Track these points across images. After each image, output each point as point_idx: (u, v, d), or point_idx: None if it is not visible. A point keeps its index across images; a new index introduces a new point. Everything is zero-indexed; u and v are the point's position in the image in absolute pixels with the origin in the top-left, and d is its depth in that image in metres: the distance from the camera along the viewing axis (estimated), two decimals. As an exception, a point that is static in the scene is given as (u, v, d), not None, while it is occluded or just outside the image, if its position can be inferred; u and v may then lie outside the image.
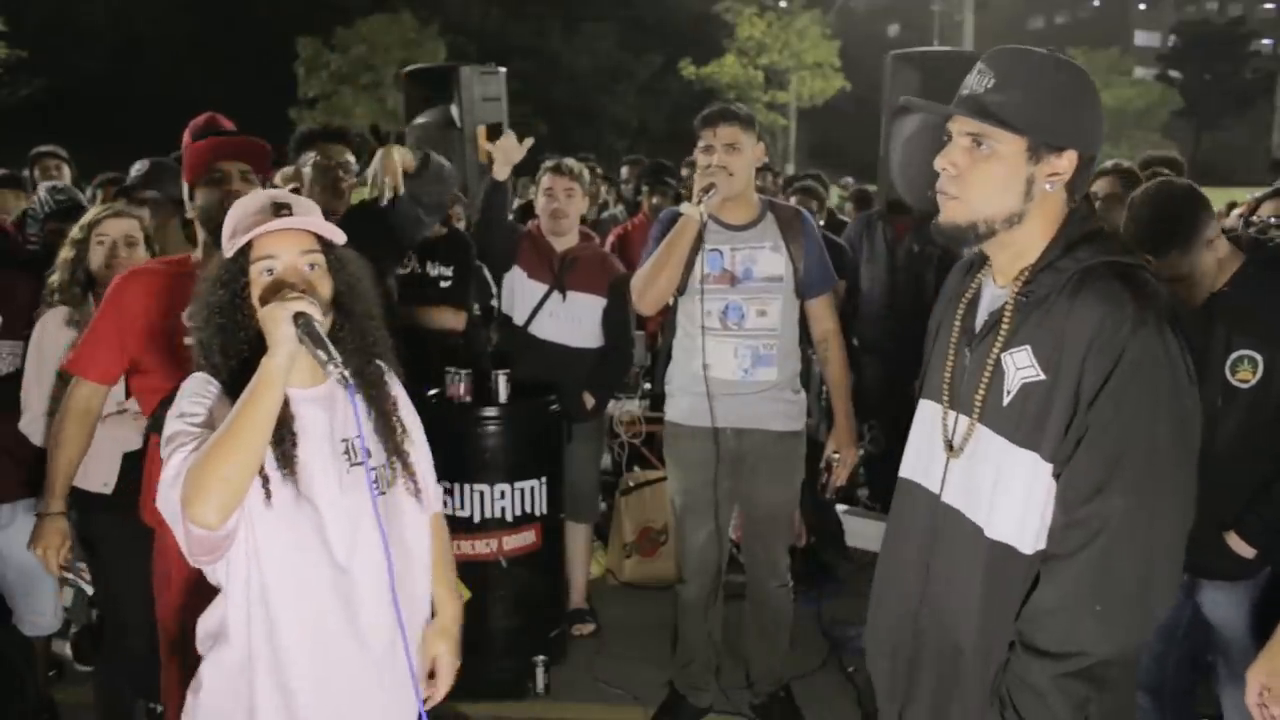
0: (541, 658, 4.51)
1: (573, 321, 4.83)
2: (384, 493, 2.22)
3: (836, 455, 4.09)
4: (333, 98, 37.26)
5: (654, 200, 6.45)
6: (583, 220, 5.07)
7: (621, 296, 4.65)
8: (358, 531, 2.16)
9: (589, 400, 4.83)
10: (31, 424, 3.63)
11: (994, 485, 2.00)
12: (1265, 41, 55.74)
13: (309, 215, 2.18)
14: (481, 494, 4.35)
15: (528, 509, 4.46)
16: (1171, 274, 2.93)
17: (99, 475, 3.61)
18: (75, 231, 3.69)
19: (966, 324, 2.13)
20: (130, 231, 3.68)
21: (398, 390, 2.35)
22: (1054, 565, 1.93)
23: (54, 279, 3.68)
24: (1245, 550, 2.94)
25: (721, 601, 4.22)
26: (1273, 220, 3.54)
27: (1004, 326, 2.01)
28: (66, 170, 6.43)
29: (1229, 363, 2.94)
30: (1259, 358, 2.89)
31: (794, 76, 40.14)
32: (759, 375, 3.95)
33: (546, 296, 4.82)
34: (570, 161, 4.95)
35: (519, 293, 4.86)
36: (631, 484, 5.69)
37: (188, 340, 2.26)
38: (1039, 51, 1.99)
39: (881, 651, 2.28)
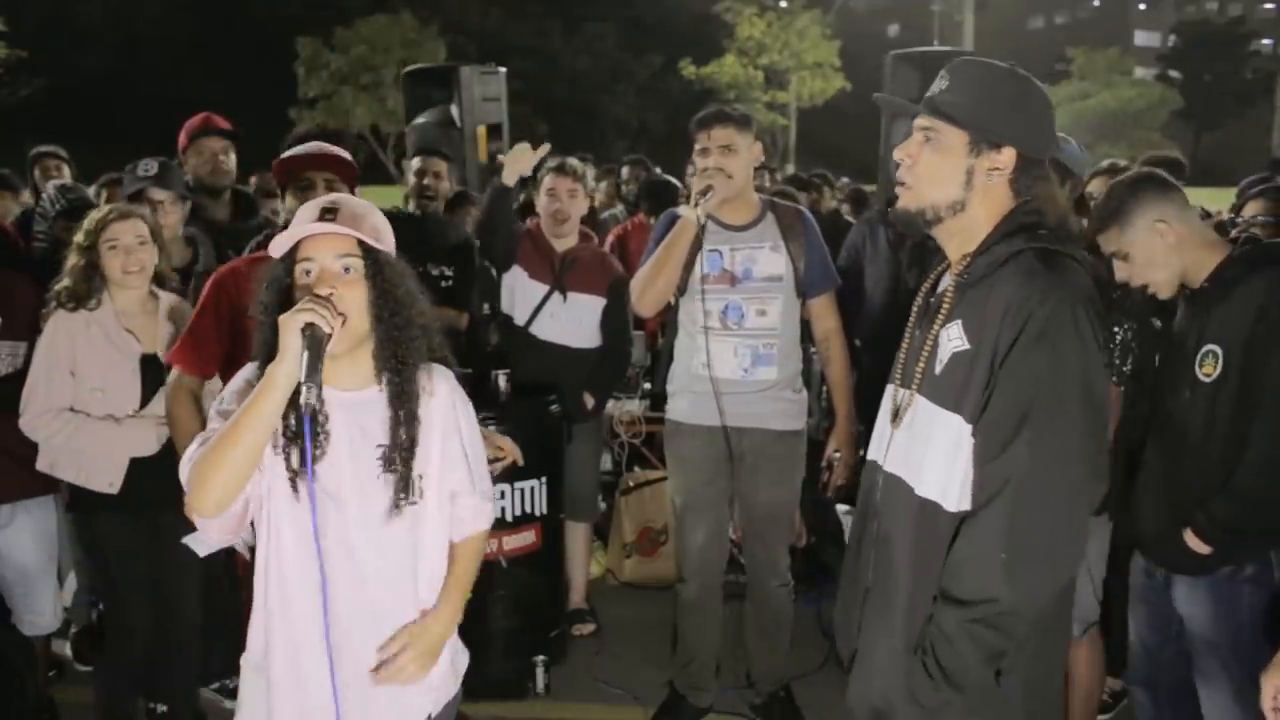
0: (541, 658, 4.51)
1: (573, 322, 4.82)
2: (405, 505, 2.26)
3: (837, 454, 4.10)
4: (333, 98, 37.29)
5: (653, 222, 6.44)
6: (581, 220, 5.06)
7: (621, 297, 4.65)
8: (358, 537, 2.23)
9: (589, 401, 4.83)
10: (33, 420, 3.62)
11: (925, 448, 2.18)
12: (1265, 41, 55.73)
13: (359, 219, 2.22)
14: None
15: (528, 509, 4.46)
16: (1112, 250, 3.07)
17: (104, 475, 3.61)
18: (80, 237, 3.66)
19: (921, 309, 2.33)
20: (139, 231, 3.67)
21: (443, 404, 2.36)
22: (970, 518, 2.10)
23: (64, 284, 3.65)
24: (1200, 547, 2.97)
25: (721, 601, 4.22)
26: (1258, 219, 3.56)
27: (944, 306, 2.21)
28: (67, 170, 6.43)
29: (1198, 357, 2.99)
30: (1220, 354, 2.94)
31: (794, 76, 40.16)
32: (759, 375, 3.95)
33: (547, 297, 4.81)
34: (573, 161, 4.94)
35: (519, 293, 4.85)
36: (631, 484, 5.69)
37: None
38: (996, 63, 2.22)
39: (840, 623, 2.45)
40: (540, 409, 4.55)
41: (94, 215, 3.70)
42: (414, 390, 2.27)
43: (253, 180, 6.81)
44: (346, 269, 2.18)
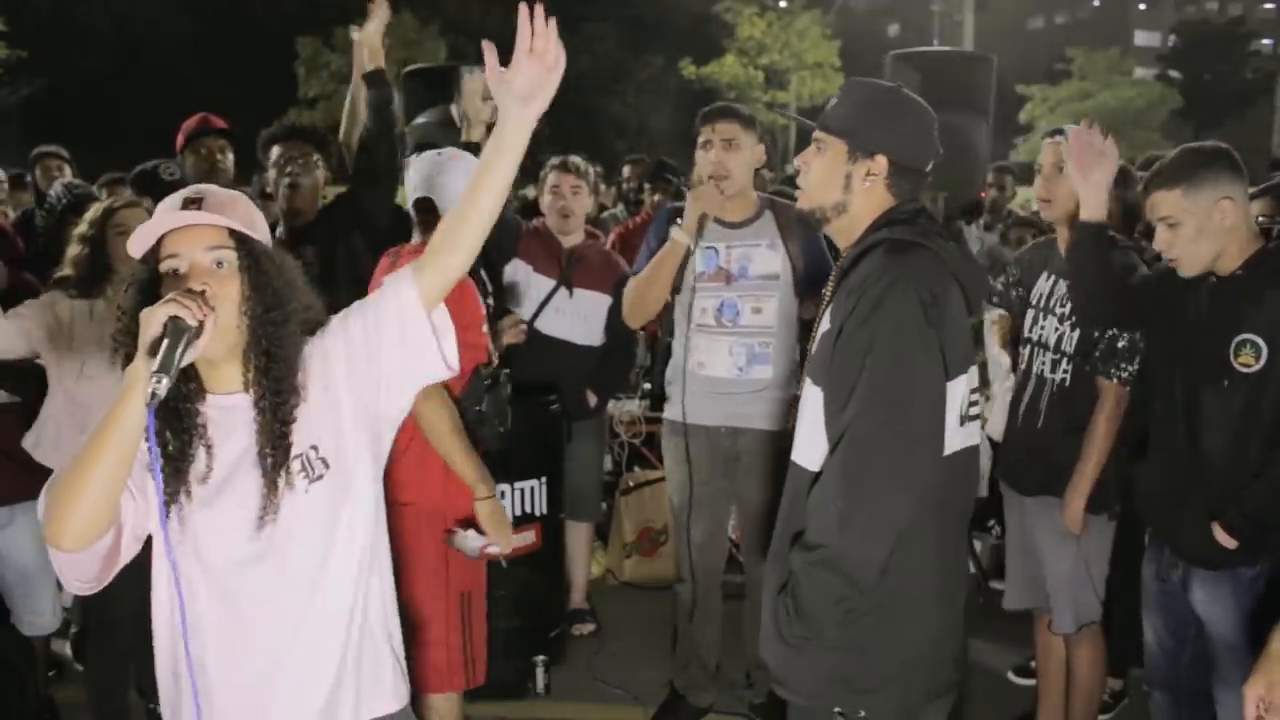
0: (542, 658, 4.51)
1: (579, 318, 4.82)
2: (271, 512, 2.04)
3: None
4: (333, 97, 37.20)
5: (656, 198, 6.45)
6: (586, 219, 5.07)
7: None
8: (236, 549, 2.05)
9: (591, 399, 4.82)
10: (41, 448, 3.65)
11: (804, 421, 2.45)
12: (1265, 41, 55.67)
13: (227, 206, 2.02)
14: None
15: (528, 509, 4.46)
16: (1164, 213, 3.01)
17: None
18: (84, 227, 3.68)
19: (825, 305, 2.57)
20: (145, 218, 3.69)
21: (316, 378, 2.10)
22: (820, 472, 2.36)
23: (67, 273, 3.67)
24: (1227, 541, 2.95)
25: (721, 601, 4.22)
26: (1260, 219, 3.54)
27: (828, 295, 2.48)
28: (68, 170, 6.44)
29: (1232, 346, 2.94)
30: (1262, 344, 2.90)
31: (794, 76, 40.12)
32: (754, 373, 3.95)
33: (554, 292, 4.81)
34: (576, 159, 4.94)
35: (525, 287, 4.84)
36: (631, 484, 5.69)
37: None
38: (879, 83, 2.57)
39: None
40: (540, 408, 4.55)
41: (99, 205, 3.72)
42: (288, 385, 2.04)
43: (255, 180, 6.80)
44: (219, 263, 1.98)
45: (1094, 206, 3.22)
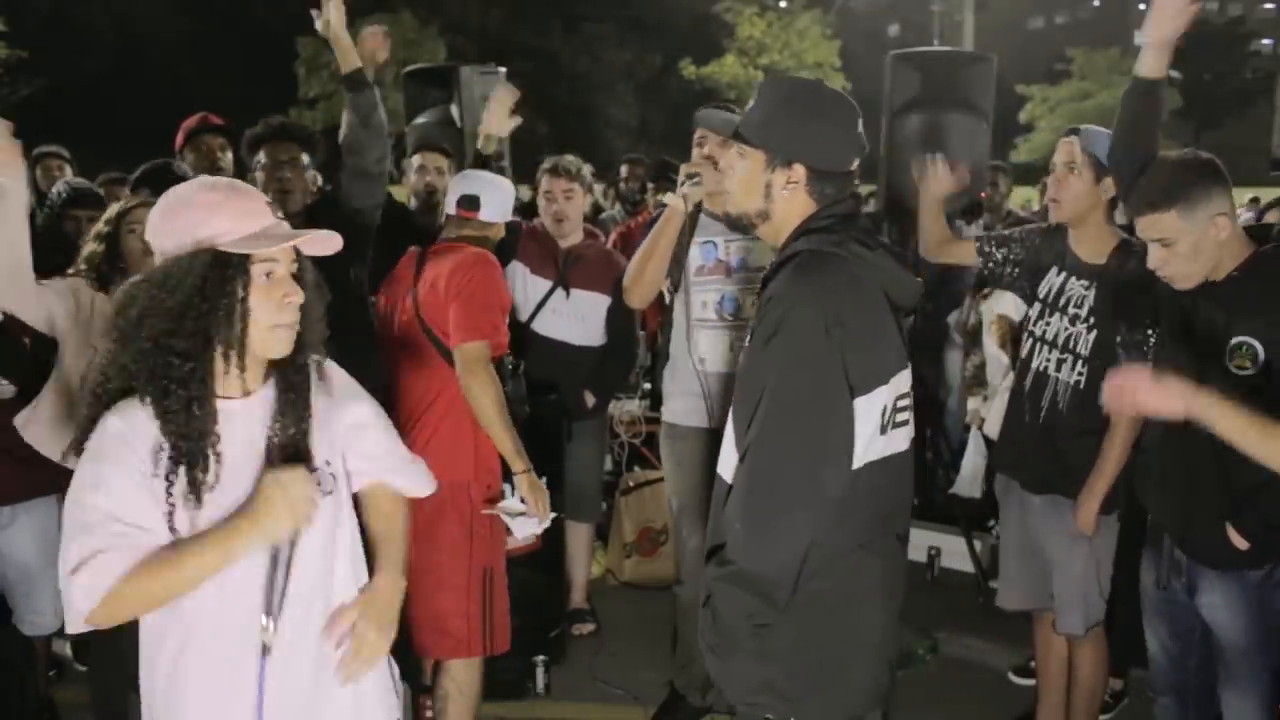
0: (542, 658, 4.51)
1: (575, 319, 4.82)
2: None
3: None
4: (333, 97, 37.23)
5: (658, 198, 6.45)
6: (584, 219, 5.06)
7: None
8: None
9: (589, 399, 4.82)
10: (36, 437, 3.65)
11: (727, 430, 2.43)
12: (1265, 41, 55.66)
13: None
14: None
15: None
16: (1159, 234, 2.92)
17: None
18: (101, 225, 3.72)
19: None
20: None
21: (341, 386, 2.29)
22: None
23: (80, 269, 3.69)
24: (1240, 543, 2.93)
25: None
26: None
27: (753, 309, 2.55)
28: (68, 170, 6.44)
29: (1227, 349, 2.92)
30: (1258, 347, 2.88)
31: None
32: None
33: (550, 293, 4.81)
34: (568, 160, 4.91)
35: (522, 288, 4.84)
36: (631, 484, 5.69)
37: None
38: (789, 80, 2.54)
39: None
40: (540, 407, 4.55)
41: (116, 205, 3.74)
42: (306, 381, 2.15)
43: (246, 180, 6.81)
44: (295, 275, 2.07)
45: (1153, 62, 3.16)
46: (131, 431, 1.97)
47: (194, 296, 1.94)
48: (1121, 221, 3.65)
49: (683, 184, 3.83)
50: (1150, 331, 3.37)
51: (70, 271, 3.72)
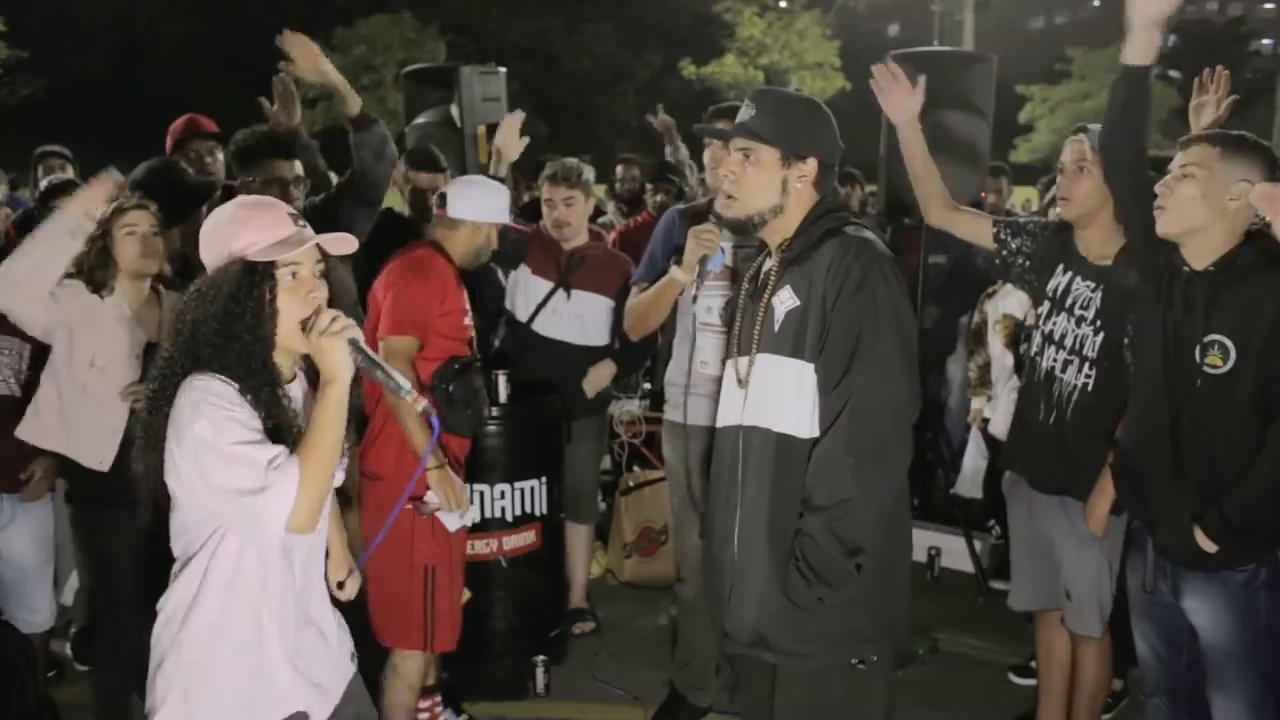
0: (541, 658, 4.51)
1: (576, 319, 4.82)
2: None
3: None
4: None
5: (658, 199, 6.44)
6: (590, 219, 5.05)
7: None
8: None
9: (591, 384, 4.79)
10: (39, 432, 3.65)
11: (775, 393, 2.67)
12: (1265, 41, 55.62)
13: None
14: (481, 494, 4.35)
15: (528, 509, 4.46)
16: (1187, 161, 2.95)
17: (94, 452, 3.64)
18: (93, 228, 3.66)
19: (751, 291, 2.83)
20: (154, 221, 3.73)
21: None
22: (820, 438, 2.60)
23: (72, 270, 3.65)
24: (1209, 546, 2.94)
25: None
26: None
27: (772, 280, 2.72)
28: (70, 170, 6.46)
29: (1201, 344, 2.92)
30: (1230, 346, 2.88)
31: (794, 76, 40.10)
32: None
33: (551, 294, 4.81)
34: (568, 165, 4.89)
35: (523, 290, 4.86)
36: (631, 484, 5.69)
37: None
38: (787, 90, 2.85)
39: (706, 577, 2.91)
40: (540, 409, 4.55)
41: (107, 205, 3.71)
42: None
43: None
44: (318, 274, 2.32)
45: (1141, 47, 3.12)
46: (230, 392, 2.23)
47: (229, 302, 2.23)
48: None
49: (691, 265, 3.83)
50: None
51: (64, 273, 3.68)
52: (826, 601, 2.57)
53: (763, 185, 2.68)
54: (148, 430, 2.30)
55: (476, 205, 3.91)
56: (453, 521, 3.73)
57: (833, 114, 2.77)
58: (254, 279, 2.24)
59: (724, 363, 2.94)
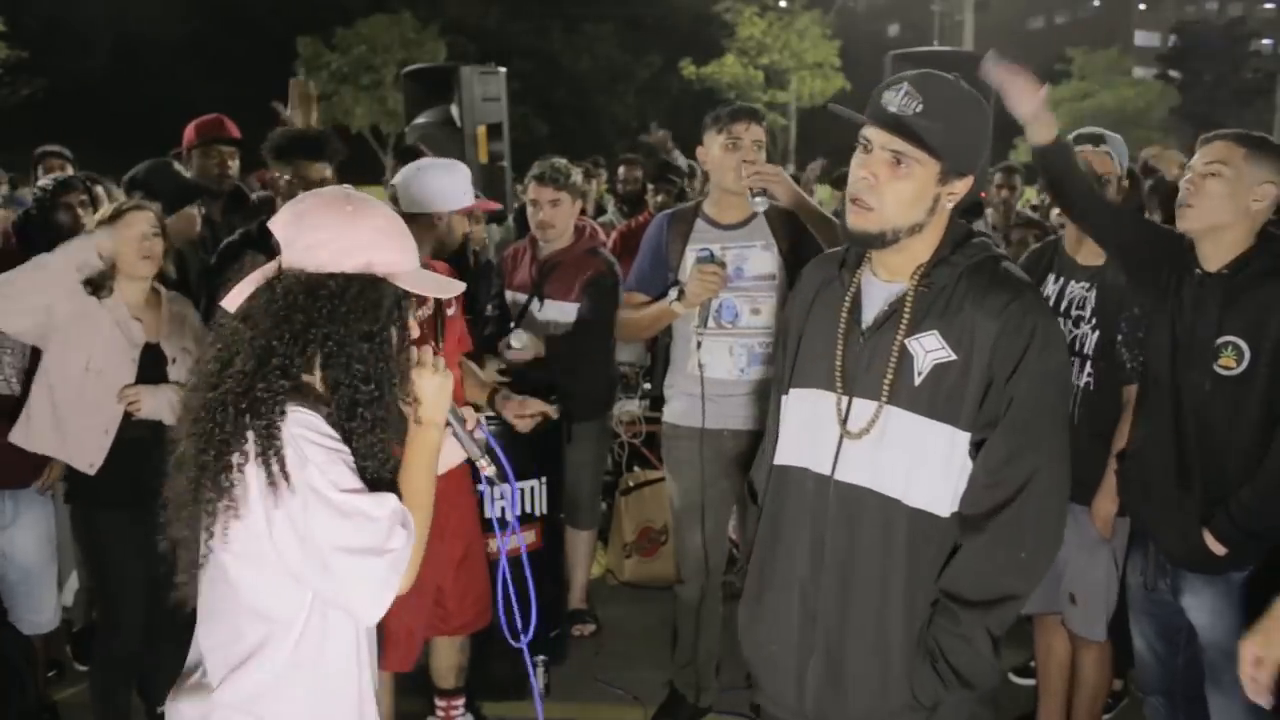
0: (541, 658, 4.50)
1: (548, 328, 4.71)
2: None
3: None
4: (333, 98, 37.25)
5: (659, 199, 6.44)
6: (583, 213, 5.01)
7: (596, 299, 4.62)
8: None
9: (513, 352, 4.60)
10: (32, 436, 3.65)
11: (911, 459, 2.21)
12: (1265, 41, 55.68)
13: None
14: (481, 495, 4.34)
15: (528, 509, 4.45)
16: (1213, 158, 2.96)
17: (85, 454, 3.64)
18: (92, 226, 3.70)
19: (854, 317, 2.32)
20: (153, 222, 3.72)
21: None
22: (977, 523, 2.20)
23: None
24: (1217, 548, 2.94)
25: (721, 601, 4.22)
26: None
27: (905, 316, 2.23)
28: (70, 170, 6.46)
29: (1215, 346, 2.92)
30: (1244, 347, 2.88)
31: (794, 76, 40.15)
32: (755, 374, 3.94)
33: (527, 305, 4.77)
34: (557, 166, 4.77)
35: (508, 306, 4.90)
36: (631, 484, 5.69)
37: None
38: (962, 85, 2.21)
39: (772, 635, 2.43)
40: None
41: (107, 207, 3.73)
42: None
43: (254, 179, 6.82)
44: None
45: (1040, 131, 3.10)
46: (328, 427, 1.91)
47: (373, 323, 1.93)
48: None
49: (681, 292, 3.82)
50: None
51: None
52: (954, 697, 2.23)
53: (910, 200, 2.18)
54: (198, 475, 1.89)
55: (426, 195, 3.76)
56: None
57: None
58: (401, 305, 1.98)
59: (786, 387, 2.45)
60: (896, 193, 2.18)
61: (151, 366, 3.72)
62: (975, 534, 2.19)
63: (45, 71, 33.15)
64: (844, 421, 2.27)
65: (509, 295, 4.91)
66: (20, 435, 3.70)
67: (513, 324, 4.78)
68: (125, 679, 3.89)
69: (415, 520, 1.92)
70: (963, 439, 2.19)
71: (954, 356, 2.18)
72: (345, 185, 2.11)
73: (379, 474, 1.97)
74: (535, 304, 4.76)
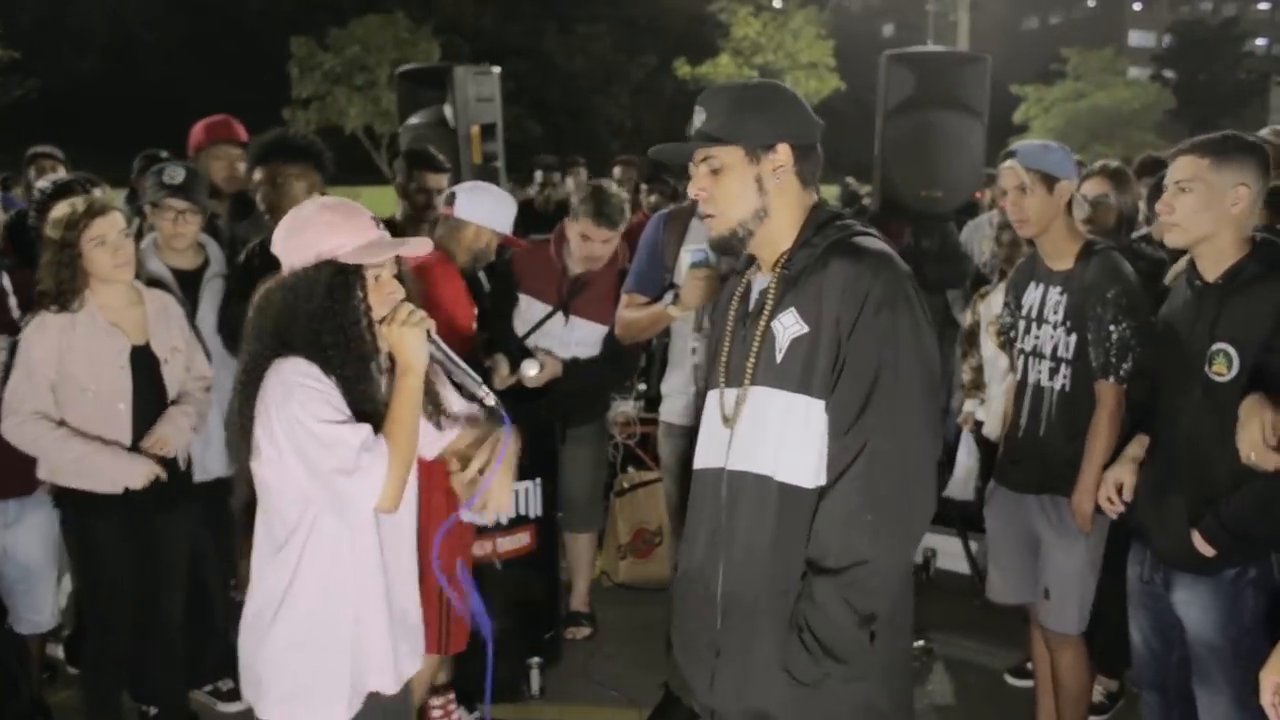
0: (536, 659, 4.50)
1: (572, 346, 4.65)
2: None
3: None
4: (326, 98, 37.21)
5: (652, 199, 6.44)
6: None
7: None
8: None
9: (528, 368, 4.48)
10: (14, 427, 3.60)
11: (777, 435, 2.29)
12: (1259, 41, 55.85)
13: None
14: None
15: (522, 511, 4.45)
16: (1180, 176, 3.01)
17: (106, 485, 3.61)
18: (55, 233, 3.57)
19: (740, 312, 2.45)
20: (121, 225, 3.61)
21: None
22: (830, 489, 2.24)
23: (44, 285, 3.60)
24: (1206, 549, 2.97)
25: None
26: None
27: (769, 301, 2.34)
28: (62, 171, 6.44)
29: (1208, 354, 2.98)
30: (1233, 354, 2.93)
31: (789, 76, 40.04)
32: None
33: (549, 317, 4.67)
34: (613, 204, 4.54)
35: (523, 311, 4.73)
36: (626, 485, 5.68)
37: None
38: (730, 83, 2.51)
39: (681, 627, 2.55)
40: (533, 410, 4.53)
41: (65, 212, 3.59)
42: None
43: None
44: (395, 275, 2.47)
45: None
46: (318, 372, 2.36)
47: (325, 301, 2.35)
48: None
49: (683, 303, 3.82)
50: (1113, 327, 3.42)
51: (38, 289, 3.62)
52: (835, 677, 2.23)
53: (736, 191, 2.32)
54: (239, 418, 2.40)
55: (485, 210, 3.99)
56: (478, 518, 3.59)
57: (823, 111, 2.48)
58: (347, 280, 2.37)
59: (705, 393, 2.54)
60: (724, 191, 2.33)
61: (145, 371, 3.68)
62: (827, 499, 2.24)
63: (38, 72, 33.10)
64: (725, 413, 2.40)
65: (523, 298, 4.74)
66: (45, 471, 3.69)
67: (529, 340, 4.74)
68: (115, 680, 3.87)
69: (396, 446, 2.33)
70: (818, 406, 2.25)
71: (806, 329, 2.26)
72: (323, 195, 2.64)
73: (372, 411, 2.39)
74: (560, 318, 4.68)
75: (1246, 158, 2.99)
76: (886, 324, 2.20)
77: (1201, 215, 2.98)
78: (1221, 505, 2.94)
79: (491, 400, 2.51)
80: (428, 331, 2.41)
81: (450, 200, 3.96)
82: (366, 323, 2.39)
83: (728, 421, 2.38)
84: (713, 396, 2.46)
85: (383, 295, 2.42)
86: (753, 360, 2.33)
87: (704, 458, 2.49)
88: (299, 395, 2.30)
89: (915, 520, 2.28)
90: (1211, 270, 3.04)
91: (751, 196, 2.33)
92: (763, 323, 2.33)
